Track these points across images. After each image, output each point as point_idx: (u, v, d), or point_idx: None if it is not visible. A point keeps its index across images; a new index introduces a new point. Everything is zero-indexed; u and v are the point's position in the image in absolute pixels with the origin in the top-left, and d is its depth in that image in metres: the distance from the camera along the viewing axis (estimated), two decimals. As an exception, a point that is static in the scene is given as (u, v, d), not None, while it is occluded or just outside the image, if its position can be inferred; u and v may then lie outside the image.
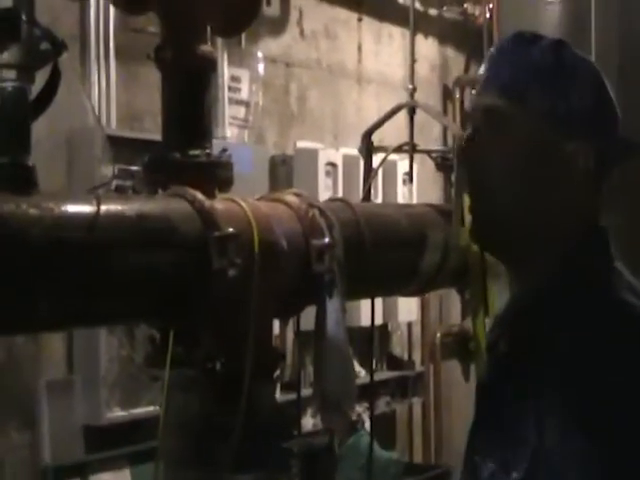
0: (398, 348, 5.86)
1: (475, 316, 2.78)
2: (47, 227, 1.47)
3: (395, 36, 5.81)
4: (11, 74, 1.50)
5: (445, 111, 6.19)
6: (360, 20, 5.58)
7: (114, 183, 3.41)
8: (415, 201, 4.93)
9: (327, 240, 2.00)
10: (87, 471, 3.70)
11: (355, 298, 2.58)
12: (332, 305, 2.02)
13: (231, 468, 1.83)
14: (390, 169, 5.08)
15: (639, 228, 3.87)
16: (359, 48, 5.61)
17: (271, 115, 4.97)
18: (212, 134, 2.07)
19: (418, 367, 5.88)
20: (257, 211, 1.89)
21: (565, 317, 1.38)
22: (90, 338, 3.75)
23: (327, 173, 4.87)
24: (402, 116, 4.05)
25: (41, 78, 1.58)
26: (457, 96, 6.20)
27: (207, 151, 1.99)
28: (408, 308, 5.39)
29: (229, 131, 4.55)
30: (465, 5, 6.22)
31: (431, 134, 5.65)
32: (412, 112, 3.74)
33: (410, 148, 3.45)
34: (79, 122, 3.59)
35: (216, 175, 1.98)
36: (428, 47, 6.15)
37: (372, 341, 4.60)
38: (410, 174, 4.21)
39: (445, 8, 6.19)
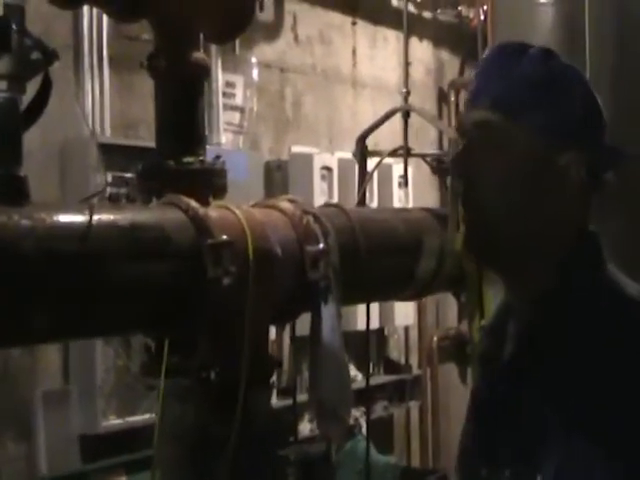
0: (395, 352, 5.85)
1: (471, 320, 2.78)
2: (39, 238, 1.47)
3: (390, 40, 5.80)
4: (2, 84, 1.49)
5: (440, 114, 6.19)
6: (354, 24, 5.58)
7: (108, 191, 3.42)
8: (411, 204, 4.93)
9: (322, 246, 1.99)
10: (84, 480, 3.69)
11: (351, 304, 2.58)
12: (327, 311, 2.02)
13: (227, 477, 1.82)
14: (386, 172, 5.07)
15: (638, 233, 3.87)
16: (354, 52, 5.61)
17: (266, 120, 4.96)
18: (206, 141, 2.06)
19: (415, 371, 5.87)
20: (251, 218, 1.88)
21: (571, 320, 1.39)
22: (86, 348, 3.74)
23: (322, 177, 4.86)
24: (397, 120, 4.05)
25: (32, 88, 1.58)
26: (452, 99, 6.19)
27: (201, 158, 1.99)
28: (405, 312, 5.38)
29: (224, 137, 4.54)
30: (459, 8, 6.21)
31: (426, 137, 5.65)
32: (406, 116, 3.74)
33: (405, 152, 3.45)
34: (72, 131, 3.58)
35: (210, 182, 1.98)
36: (423, 50, 6.14)
37: (368, 344, 4.59)
38: (405, 177, 4.21)
39: (439, 11, 6.19)
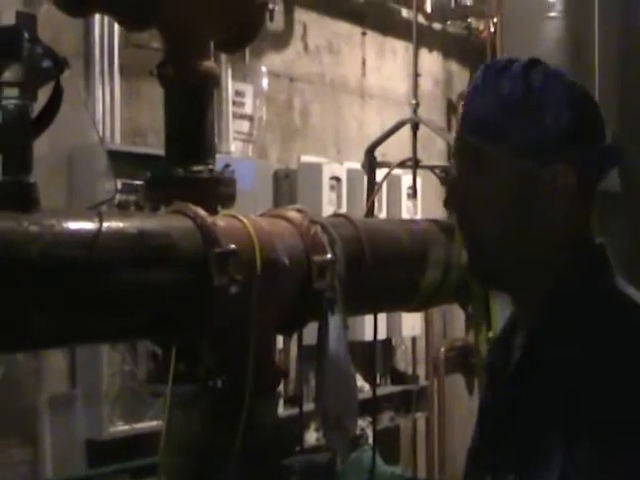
0: (402, 363, 5.84)
1: (478, 332, 2.78)
2: (48, 244, 1.47)
3: (399, 50, 5.81)
4: (13, 92, 1.50)
5: (449, 126, 6.19)
6: (364, 34, 5.59)
7: (117, 198, 3.43)
8: (419, 215, 4.93)
9: (329, 257, 2.00)
10: (89, 486, 3.70)
11: (357, 314, 2.58)
12: (333, 321, 2.02)
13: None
14: (394, 183, 5.08)
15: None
16: (363, 63, 5.62)
17: (274, 129, 4.97)
18: (215, 150, 2.07)
19: (422, 382, 5.86)
20: (259, 227, 1.89)
21: (574, 330, 1.38)
22: (92, 353, 3.75)
23: (331, 187, 4.87)
24: (405, 131, 4.06)
25: (43, 96, 1.59)
26: (461, 110, 6.19)
27: (210, 167, 2.00)
28: (412, 323, 5.38)
29: (233, 145, 4.55)
30: (469, 19, 6.22)
31: (434, 149, 5.65)
32: (415, 127, 3.74)
33: (413, 163, 3.46)
34: (81, 139, 3.59)
35: (218, 191, 1.98)
36: (432, 61, 6.15)
37: (375, 355, 4.59)
38: (414, 189, 4.21)
39: (449, 22, 6.19)
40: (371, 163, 3.14)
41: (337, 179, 4.89)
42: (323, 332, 2.05)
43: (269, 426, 1.92)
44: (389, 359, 5.71)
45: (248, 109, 4.69)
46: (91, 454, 3.81)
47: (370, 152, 3.13)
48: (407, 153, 3.85)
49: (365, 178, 3.73)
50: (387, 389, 5.58)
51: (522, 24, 4.46)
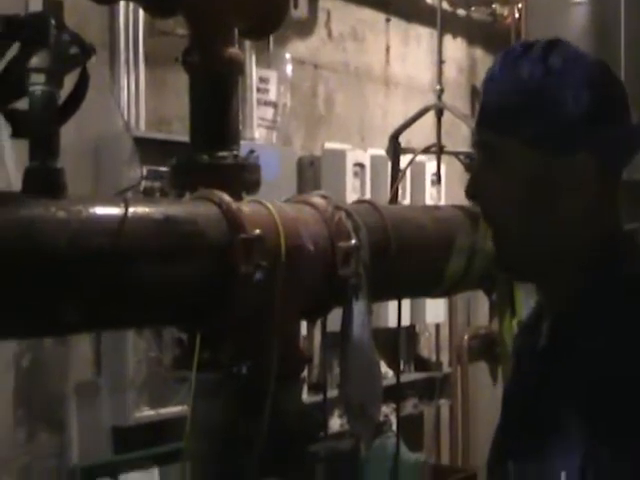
0: (426, 350, 5.84)
1: (502, 319, 2.77)
2: (75, 230, 1.49)
3: (423, 37, 5.79)
4: (40, 78, 1.51)
5: (473, 112, 6.17)
6: (388, 21, 5.57)
7: (143, 184, 3.44)
8: (443, 202, 4.92)
9: (353, 243, 2.00)
10: (115, 471, 3.72)
11: (381, 300, 2.58)
12: (358, 308, 2.02)
13: (256, 472, 1.83)
14: (418, 170, 5.07)
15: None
16: (387, 50, 5.60)
17: (298, 117, 4.97)
18: (240, 136, 2.08)
19: (446, 369, 5.86)
20: (284, 214, 1.89)
21: (602, 318, 1.35)
22: (118, 340, 3.77)
23: (355, 174, 4.86)
24: (429, 118, 4.05)
25: (70, 82, 1.59)
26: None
27: (235, 153, 2.00)
28: (436, 310, 5.37)
29: (257, 132, 4.55)
30: (493, 5, 6.19)
31: (459, 135, 5.63)
32: (439, 114, 3.73)
33: (437, 150, 3.45)
34: (107, 126, 3.61)
35: (243, 177, 1.99)
36: (456, 48, 6.12)
37: (398, 341, 4.59)
38: (438, 175, 4.20)
39: (473, 9, 6.16)
40: (395, 149, 3.13)
41: (361, 166, 4.88)
42: (347, 318, 2.05)
43: (293, 412, 1.93)
44: (413, 346, 5.72)
45: (272, 96, 4.69)
46: (117, 440, 3.84)
47: (394, 138, 3.13)
48: (431, 139, 3.84)
49: (389, 165, 3.72)
50: (411, 376, 5.58)
51: (547, 10, 4.44)
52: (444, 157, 3.84)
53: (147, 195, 3.40)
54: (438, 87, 4.34)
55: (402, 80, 5.69)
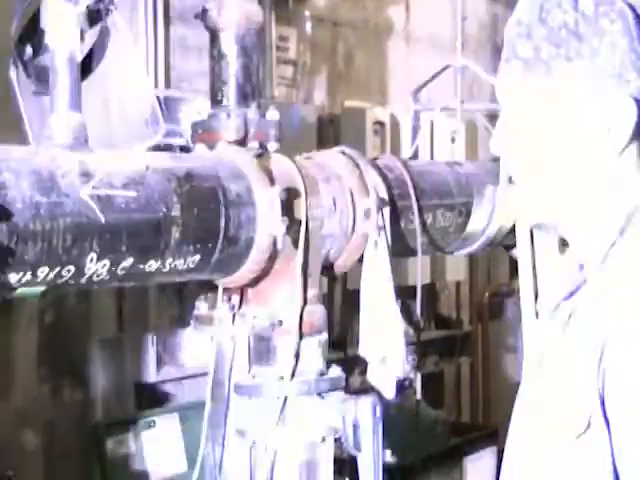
0: (446, 307, 5.86)
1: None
2: (97, 183, 1.49)
3: (443, -7, 5.77)
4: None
5: (494, 69, 6.14)
6: (408, -24, 5.55)
7: (163, 142, 3.45)
8: (463, 159, 4.92)
9: (374, 198, 2.00)
10: (138, 427, 3.76)
11: (402, 256, 2.58)
12: (379, 263, 2.03)
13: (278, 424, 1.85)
14: (438, 127, 5.06)
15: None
16: (407, 7, 5.57)
17: (318, 75, 4.96)
18: (260, 93, 2.08)
19: (466, 327, 5.88)
20: (304, 169, 1.90)
21: (629, 281, 1.30)
22: (140, 297, 3.80)
23: (375, 132, 4.86)
24: (450, 75, 4.04)
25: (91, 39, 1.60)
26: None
27: (255, 109, 2.00)
28: (456, 267, 5.38)
29: (277, 91, 4.55)
30: (515, -39, 6.14)
31: (480, 93, 5.61)
32: (459, 71, 3.72)
33: (458, 106, 3.44)
34: (129, 82, 3.61)
35: (265, 133, 1.99)
36: (477, 4, 6.09)
37: (421, 300, 4.59)
38: (457, 132, 4.19)
39: (494, -36, 6.13)
40: (416, 106, 3.12)
41: (381, 124, 4.88)
42: (368, 274, 2.06)
43: (316, 364, 1.95)
44: (433, 304, 5.73)
45: (292, 54, 4.68)
46: (140, 396, 3.88)
47: (415, 95, 3.12)
48: (451, 97, 3.83)
49: (409, 122, 3.73)
50: (431, 334, 5.60)
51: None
52: (464, 115, 3.84)
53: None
54: (459, 44, 4.32)
55: (422, 37, 5.66)
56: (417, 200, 2.15)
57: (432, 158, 5.05)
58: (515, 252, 2.80)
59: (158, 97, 3.64)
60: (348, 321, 3.88)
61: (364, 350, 2.12)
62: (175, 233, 1.61)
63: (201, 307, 1.97)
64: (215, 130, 1.97)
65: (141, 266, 1.57)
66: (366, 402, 1.87)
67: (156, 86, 3.91)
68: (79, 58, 1.55)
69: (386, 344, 2.11)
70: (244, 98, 2.01)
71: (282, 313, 1.86)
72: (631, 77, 1.32)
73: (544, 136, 1.37)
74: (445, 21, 5.73)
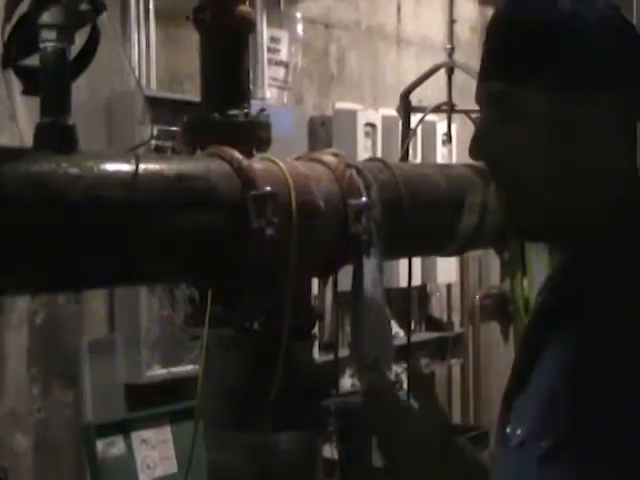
0: (437, 310, 5.87)
1: (513, 277, 2.78)
2: (87, 186, 1.49)
3: (435, -4, 5.78)
4: (51, 34, 1.52)
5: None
6: (400, -21, 5.56)
7: (154, 143, 3.45)
8: (455, 161, 4.92)
9: (365, 200, 2.00)
10: (128, 429, 3.75)
11: (392, 258, 2.59)
12: (369, 265, 2.03)
13: (268, 427, 1.85)
14: (429, 130, 5.06)
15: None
16: (398, 9, 5.58)
17: (310, 76, 4.96)
18: (251, 94, 2.08)
19: (457, 329, 5.88)
20: (295, 171, 1.90)
21: (597, 286, 1.23)
22: (131, 298, 3.79)
23: (366, 134, 4.86)
24: (441, 78, 4.03)
25: (81, 39, 1.60)
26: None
27: (246, 111, 2.00)
28: (447, 270, 5.39)
29: (268, 92, 4.55)
30: (507, -36, 6.15)
31: (470, 95, 5.61)
32: (450, 72, 3.71)
33: (449, 108, 3.43)
34: (119, 84, 3.61)
35: (254, 135, 1.99)
36: (469, 8, 6.09)
37: (410, 302, 4.60)
38: (449, 134, 4.19)
39: (486, -33, 6.14)
40: (406, 107, 3.12)
41: (372, 126, 4.88)
42: (359, 276, 2.06)
43: (306, 369, 1.94)
44: (424, 306, 5.74)
45: (283, 56, 4.68)
46: (130, 397, 3.87)
47: (405, 96, 3.12)
48: (443, 99, 3.82)
49: (400, 125, 3.72)
50: (422, 336, 5.61)
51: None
52: (455, 116, 3.83)
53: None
54: (449, 45, 4.32)
55: (414, 39, 5.67)
56: (407, 202, 2.15)
57: (423, 160, 5.05)
58: (506, 254, 2.81)
59: (149, 97, 3.66)
60: (339, 322, 3.88)
61: (354, 352, 2.12)
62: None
63: (188, 308, 1.97)
64: (206, 132, 1.97)
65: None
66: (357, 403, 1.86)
67: (147, 87, 3.90)
68: (69, 58, 1.55)
69: (377, 346, 2.11)
70: (235, 99, 2.01)
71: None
72: None
73: (523, 144, 1.31)
74: (437, 24, 5.73)
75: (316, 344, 3.86)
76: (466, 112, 3.44)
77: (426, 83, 3.64)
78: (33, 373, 3.63)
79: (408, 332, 3.98)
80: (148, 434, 3.80)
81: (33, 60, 1.55)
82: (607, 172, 1.31)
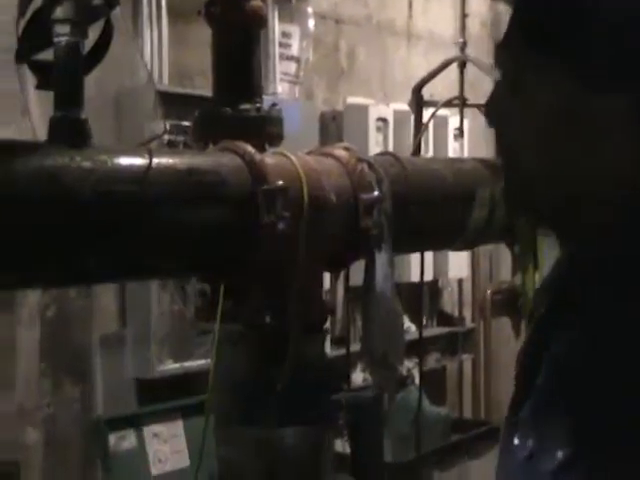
0: (448, 305, 5.87)
1: (525, 271, 2.77)
2: (100, 180, 1.50)
3: (446, -9, 5.77)
4: (64, 29, 1.52)
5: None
6: (411, -26, 5.55)
7: (166, 138, 3.45)
8: (466, 156, 4.92)
9: (376, 194, 2.00)
10: (140, 423, 3.77)
11: (403, 252, 2.59)
12: (380, 259, 2.03)
13: (277, 422, 1.85)
14: (441, 124, 5.06)
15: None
16: (409, 4, 5.58)
17: (321, 71, 4.97)
18: (262, 89, 2.08)
19: (468, 324, 5.88)
20: (306, 165, 1.90)
21: (598, 285, 1.19)
22: (141, 293, 3.80)
23: (378, 129, 4.86)
24: (452, 72, 4.04)
25: (94, 33, 1.60)
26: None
27: (257, 106, 2.01)
28: (458, 264, 5.39)
29: (280, 87, 4.55)
30: (517, -41, 6.13)
31: (482, 89, 5.61)
32: (462, 66, 3.72)
33: (460, 102, 3.44)
34: (130, 78, 3.61)
35: (266, 130, 1.99)
36: (479, 2, 6.09)
37: (422, 296, 4.61)
38: (461, 129, 4.19)
39: (497, -38, 6.13)
40: (418, 102, 3.12)
41: (384, 120, 4.89)
42: (370, 270, 2.06)
43: (317, 363, 1.94)
44: (435, 301, 5.74)
45: (294, 51, 4.68)
46: (141, 392, 3.88)
47: (417, 91, 3.12)
48: (454, 93, 3.83)
49: (412, 119, 3.72)
50: (433, 331, 5.62)
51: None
52: (467, 111, 3.83)
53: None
54: (461, 40, 4.32)
55: (424, 34, 5.66)
56: (418, 196, 2.15)
57: (434, 155, 5.05)
58: (516, 248, 2.80)
59: (160, 92, 3.66)
60: (351, 317, 3.88)
61: (365, 347, 2.12)
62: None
63: (200, 303, 1.97)
64: (217, 126, 1.97)
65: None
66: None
67: (159, 82, 3.91)
68: (83, 53, 1.56)
69: (388, 340, 2.11)
70: (247, 94, 2.01)
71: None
72: None
73: (531, 121, 1.25)
74: (446, 19, 5.73)
75: (328, 339, 3.88)
76: (478, 106, 3.44)
77: (436, 78, 3.64)
78: (43, 368, 3.64)
79: (420, 327, 3.99)
80: (160, 428, 3.81)
81: (47, 55, 1.56)
82: (616, 169, 1.24)
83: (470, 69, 3.97)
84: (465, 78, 3.77)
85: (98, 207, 1.49)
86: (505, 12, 6.26)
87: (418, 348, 3.95)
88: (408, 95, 3.76)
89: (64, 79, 1.53)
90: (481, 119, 3.54)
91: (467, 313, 5.96)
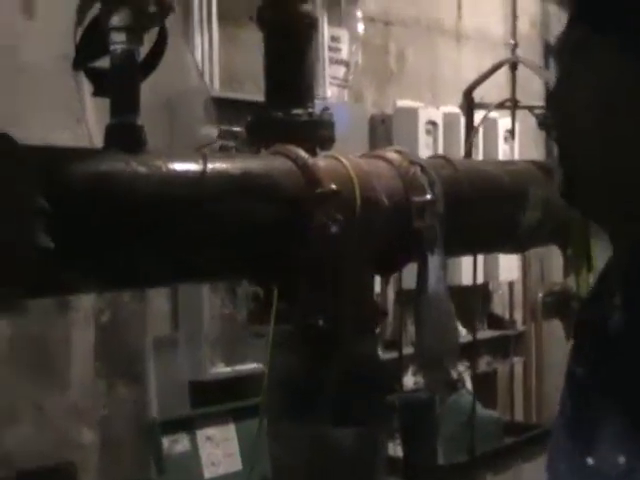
0: (499, 307, 5.83)
1: (578, 273, 2.76)
2: (155, 185, 1.52)
3: (495, -9, 5.74)
4: (121, 36, 1.54)
5: (546, 68, 6.10)
6: (460, -25, 5.53)
7: (218, 143, 3.47)
8: (517, 158, 4.89)
9: (428, 197, 2.00)
10: (193, 426, 3.79)
11: (456, 255, 2.58)
12: (433, 262, 2.03)
13: (331, 422, 1.86)
14: (491, 126, 5.04)
15: None
16: (458, 4, 5.56)
17: (370, 74, 4.96)
18: (313, 93, 2.09)
19: (519, 327, 5.85)
20: (358, 168, 1.90)
21: None
22: (194, 296, 3.82)
23: (427, 132, 4.85)
24: (501, 73, 4.02)
25: (148, 40, 1.62)
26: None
27: (309, 110, 2.02)
28: (509, 267, 5.36)
29: (329, 91, 4.56)
30: (568, -41, 6.08)
31: (531, 91, 5.58)
32: (514, 68, 3.70)
33: (512, 104, 3.43)
34: (182, 83, 3.64)
35: (318, 133, 2.00)
36: (529, 2, 6.05)
37: (475, 299, 4.59)
38: (512, 131, 4.18)
39: (548, -38, 6.09)
40: (469, 104, 3.12)
41: (433, 123, 4.87)
42: (422, 273, 2.06)
43: (369, 364, 1.95)
44: (486, 304, 5.71)
45: (344, 54, 4.69)
46: (194, 395, 3.90)
47: (468, 93, 3.12)
48: (504, 95, 3.82)
49: (462, 122, 3.72)
50: (484, 334, 5.58)
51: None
52: (517, 113, 3.82)
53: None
54: (512, 41, 4.30)
55: (473, 34, 5.64)
56: (470, 198, 2.15)
57: (484, 158, 5.03)
58: (569, 250, 2.79)
59: (212, 97, 3.69)
60: (402, 320, 3.88)
61: (418, 350, 2.12)
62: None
63: (252, 306, 1.98)
64: (270, 131, 1.98)
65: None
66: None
67: (211, 87, 3.93)
68: (138, 60, 1.58)
69: (441, 343, 2.11)
70: (298, 98, 2.02)
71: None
72: None
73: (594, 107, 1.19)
74: (496, 17, 5.70)
75: (380, 342, 3.87)
76: (529, 108, 3.42)
77: (488, 79, 3.63)
78: (98, 370, 3.68)
79: (474, 331, 3.97)
80: (212, 431, 3.83)
81: (103, 62, 1.58)
82: None
83: (520, 71, 3.95)
84: (516, 80, 3.76)
85: (153, 211, 1.51)
86: (555, 13, 6.22)
87: (470, 351, 3.94)
88: (457, 96, 3.76)
89: (120, 86, 1.55)
90: (531, 121, 3.54)
91: (518, 316, 5.92)
